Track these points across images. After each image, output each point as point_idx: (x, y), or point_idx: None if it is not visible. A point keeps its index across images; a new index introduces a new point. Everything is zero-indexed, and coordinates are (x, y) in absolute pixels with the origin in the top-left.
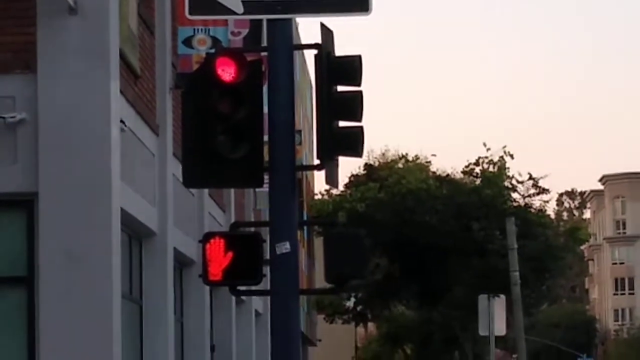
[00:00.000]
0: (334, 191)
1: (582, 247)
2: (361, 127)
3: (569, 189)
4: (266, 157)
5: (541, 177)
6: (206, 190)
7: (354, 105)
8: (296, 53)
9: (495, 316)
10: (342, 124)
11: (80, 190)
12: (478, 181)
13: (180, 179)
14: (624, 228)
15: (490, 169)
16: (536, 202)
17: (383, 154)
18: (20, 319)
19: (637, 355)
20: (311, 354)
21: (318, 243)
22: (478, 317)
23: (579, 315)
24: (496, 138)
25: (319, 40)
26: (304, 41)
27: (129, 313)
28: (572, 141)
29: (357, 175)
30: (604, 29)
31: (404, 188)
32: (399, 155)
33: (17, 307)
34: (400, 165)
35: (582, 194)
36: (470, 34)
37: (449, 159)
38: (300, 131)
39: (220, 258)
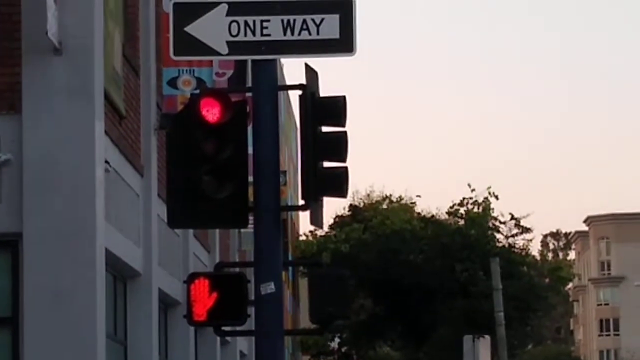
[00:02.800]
0: (319, 232)
1: (567, 288)
2: (346, 168)
3: (554, 230)
4: (251, 198)
5: (523, 217)
6: (191, 231)
7: (338, 146)
8: (281, 94)
9: (480, 357)
10: (326, 164)
11: (65, 231)
12: (462, 222)
13: (165, 220)
14: (609, 269)
15: (475, 209)
16: (519, 241)
17: (368, 195)
18: (5, 359)
19: None
20: None
21: (303, 283)
22: (463, 357)
23: (564, 357)
24: (481, 179)
25: (303, 80)
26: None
27: (113, 354)
28: (557, 182)
29: (341, 215)
30: (587, 68)
31: (388, 229)
32: (383, 196)
33: (2, 348)
34: (384, 205)
35: (566, 235)
36: (455, 74)
37: (434, 200)
38: (285, 172)
39: (204, 298)
